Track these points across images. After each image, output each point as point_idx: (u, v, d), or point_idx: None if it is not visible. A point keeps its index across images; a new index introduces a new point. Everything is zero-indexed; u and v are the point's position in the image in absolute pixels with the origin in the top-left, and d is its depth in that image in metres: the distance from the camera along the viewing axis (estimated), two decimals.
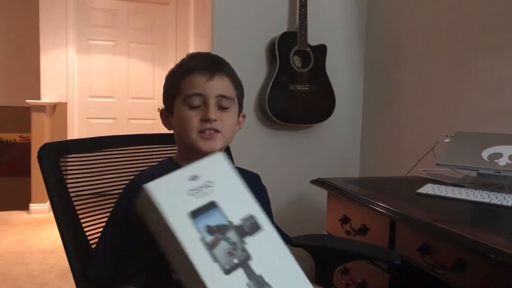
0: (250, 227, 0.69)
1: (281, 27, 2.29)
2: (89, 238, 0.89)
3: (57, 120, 4.16)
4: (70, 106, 4.28)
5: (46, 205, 3.84)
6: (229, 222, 0.68)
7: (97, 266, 0.84)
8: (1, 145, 4.51)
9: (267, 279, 0.66)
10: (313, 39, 2.26)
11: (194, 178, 0.70)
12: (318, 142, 2.42)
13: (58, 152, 0.88)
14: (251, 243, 0.68)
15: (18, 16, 4.27)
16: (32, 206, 3.81)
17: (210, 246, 0.65)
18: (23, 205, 3.87)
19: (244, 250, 0.67)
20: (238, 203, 0.72)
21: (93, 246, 0.88)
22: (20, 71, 4.30)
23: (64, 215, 0.85)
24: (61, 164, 0.87)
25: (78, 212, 0.88)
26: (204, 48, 2.35)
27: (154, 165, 0.97)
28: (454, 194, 1.28)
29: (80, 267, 0.84)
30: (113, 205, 0.87)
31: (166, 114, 0.96)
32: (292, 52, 2.23)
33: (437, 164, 1.43)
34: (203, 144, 0.88)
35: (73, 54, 4.27)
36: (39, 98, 4.02)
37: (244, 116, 1.03)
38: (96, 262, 0.84)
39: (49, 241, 3.09)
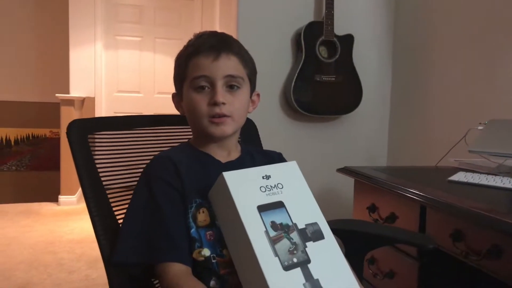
0: (313, 233, 0.72)
1: (307, 17, 2.26)
2: (116, 213, 0.89)
3: (85, 114, 4.24)
4: (98, 101, 4.37)
5: (75, 197, 3.92)
6: (294, 224, 0.72)
7: (125, 250, 0.80)
8: (33, 140, 4.63)
9: (323, 284, 0.67)
10: (340, 29, 2.23)
11: (267, 177, 0.75)
12: (344, 133, 2.38)
13: (86, 129, 0.89)
14: (312, 248, 0.70)
15: (48, 14, 4.38)
16: (61, 198, 3.90)
17: (273, 241, 0.68)
18: (53, 197, 3.98)
19: (304, 252, 0.69)
20: (305, 209, 0.75)
21: (120, 222, 0.88)
22: (50, 67, 4.41)
23: (93, 193, 0.85)
24: (90, 140, 0.88)
25: (106, 188, 0.88)
26: None
27: (172, 147, 0.96)
28: (488, 181, 1.23)
29: (107, 244, 0.84)
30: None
31: (177, 98, 0.94)
32: (318, 42, 2.20)
33: (470, 151, 1.38)
34: (214, 129, 0.86)
35: (101, 49, 4.35)
36: (68, 94, 4.11)
37: (258, 95, 0.98)
38: (123, 245, 0.81)
39: (77, 231, 3.16)
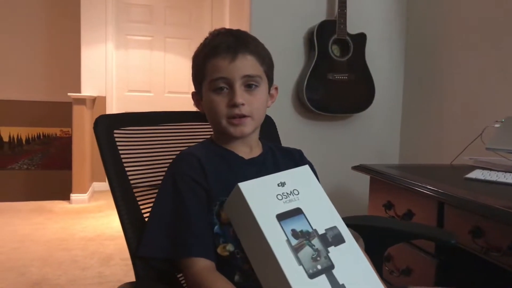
0: (333, 238, 0.71)
1: (320, 16, 2.27)
2: (141, 207, 0.90)
3: (96, 113, 4.25)
4: (109, 100, 4.41)
5: (86, 196, 3.96)
6: (314, 230, 0.71)
7: (150, 244, 0.82)
8: (44, 139, 4.66)
9: None
10: (352, 27, 2.23)
11: (282, 184, 0.74)
12: (356, 132, 2.38)
13: (112, 124, 0.90)
14: (334, 253, 0.70)
15: (59, 13, 4.41)
16: (73, 196, 3.93)
17: (295, 249, 0.67)
18: (64, 196, 4.01)
19: (327, 258, 0.68)
20: (322, 214, 0.74)
21: (145, 215, 0.89)
22: (61, 67, 4.44)
23: (119, 187, 0.87)
24: (115, 136, 0.89)
25: (131, 182, 0.89)
26: None
27: (196, 144, 0.97)
28: (506, 179, 1.23)
29: (134, 237, 0.85)
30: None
31: (197, 97, 0.95)
32: (331, 41, 2.21)
33: (487, 149, 1.38)
34: (233, 130, 0.88)
35: (112, 49, 4.38)
36: (79, 93, 4.15)
37: (276, 88, 0.99)
38: (149, 240, 0.82)
39: (89, 229, 3.19)
